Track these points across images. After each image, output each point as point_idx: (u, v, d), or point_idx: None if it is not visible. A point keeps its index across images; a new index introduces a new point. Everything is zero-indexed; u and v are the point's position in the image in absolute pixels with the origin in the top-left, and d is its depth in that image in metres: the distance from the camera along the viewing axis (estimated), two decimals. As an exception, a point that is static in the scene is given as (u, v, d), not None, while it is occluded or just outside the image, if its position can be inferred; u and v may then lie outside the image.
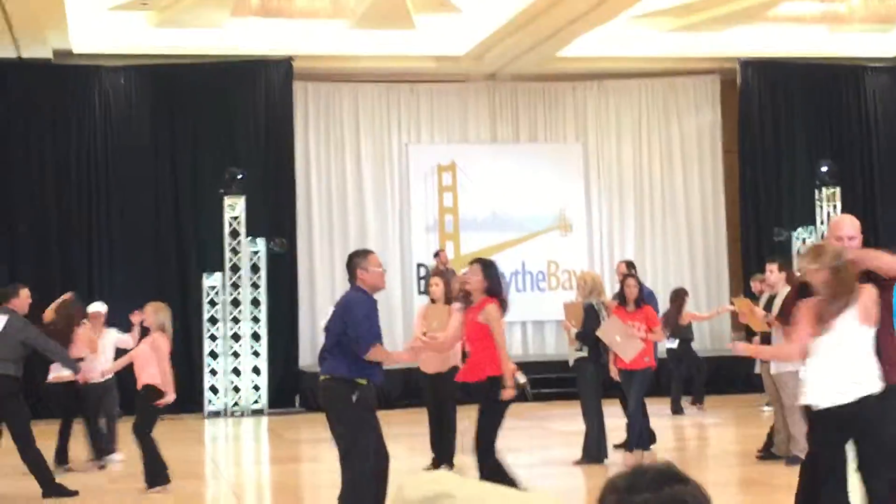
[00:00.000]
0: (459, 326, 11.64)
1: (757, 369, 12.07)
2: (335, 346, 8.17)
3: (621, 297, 12.56)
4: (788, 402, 11.59)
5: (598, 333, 11.81)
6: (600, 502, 2.27)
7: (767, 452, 12.11)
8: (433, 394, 12.04)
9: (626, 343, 11.74)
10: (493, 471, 8.60)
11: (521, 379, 9.01)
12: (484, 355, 9.04)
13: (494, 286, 9.27)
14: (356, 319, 8.11)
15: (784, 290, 11.86)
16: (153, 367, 11.37)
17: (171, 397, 11.38)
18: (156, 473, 11.17)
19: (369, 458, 7.92)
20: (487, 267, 9.36)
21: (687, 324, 17.26)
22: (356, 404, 7.98)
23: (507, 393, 8.80)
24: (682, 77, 22.29)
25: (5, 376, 10.72)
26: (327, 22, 19.12)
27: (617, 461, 11.81)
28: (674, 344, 17.14)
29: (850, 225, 7.37)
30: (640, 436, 12.00)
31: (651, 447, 12.17)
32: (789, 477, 11.00)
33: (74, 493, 10.79)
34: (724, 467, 12.13)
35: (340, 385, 8.03)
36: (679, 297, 17.27)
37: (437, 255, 19.62)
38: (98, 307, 13.85)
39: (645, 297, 12.54)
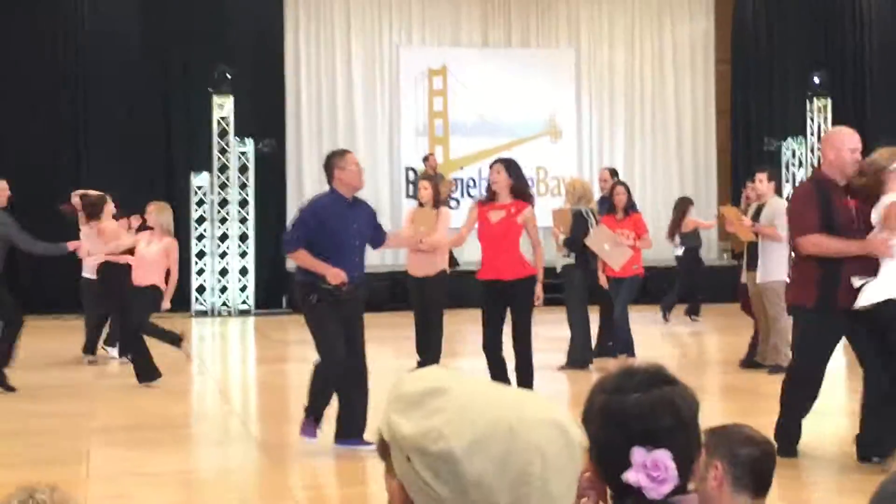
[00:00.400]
0: (448, 229, 11.72)
1: (743, 279, 12.12)
2: None
3: (609, 205, 12.58)
4: (773, 311, 11.68)
5: (587, 241, 11.84)
6: (588, 403, 2.29)
7: (749, 361, 12.22)
8: (420, 297, 12.07)
9: (615, 251, 11.78)
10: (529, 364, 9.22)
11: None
12: (516, 255, 9.12)
13: (520, 184, 9.35)
14: (293, 220, 8.17)
15: (773, 199, 11.89)
16: (160, 269, 11.41)
17: (167, 303, 11.45)
18: (148, 370, 11.24)
19: (335, 351, 7.92)
20: (510, 166, 9.41)
21: (692, 231, 17.18)
22: (316, 305, 7.99)
23: (539, 290, 9.20)
24: (676, -17, 22.12)
25: None
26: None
27: (601, 367, 11.90)
28: (680, 251, 17.15)
29: (858, 138, 7.49)
30: (626, 342, 12.10)
31: (634, 354, 12.26)
32: (773, 385, 11.16)
33: (11, 390, 10.81)
34: (709, 375, 12.24)
35: (301, 288, 8.08)
36: (683, 204, 17.21)
37: (426, 159, 19.59)
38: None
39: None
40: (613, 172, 14.21)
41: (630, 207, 12.36)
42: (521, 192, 9.31)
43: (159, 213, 11.62)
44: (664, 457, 2.14)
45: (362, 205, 8.50)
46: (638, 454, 2.14)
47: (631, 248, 11.93)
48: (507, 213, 9.29)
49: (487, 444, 1.47)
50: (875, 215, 7.31)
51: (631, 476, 2.14)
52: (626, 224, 12.16)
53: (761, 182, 12.00)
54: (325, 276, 7.86)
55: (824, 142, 7.81)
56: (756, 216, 11.88)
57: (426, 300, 11.95)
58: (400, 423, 1.51)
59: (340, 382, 7.99)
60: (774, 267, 11.62)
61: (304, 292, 8.04)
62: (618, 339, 12.15)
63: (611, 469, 2.18)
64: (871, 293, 7.15)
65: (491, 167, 9.61)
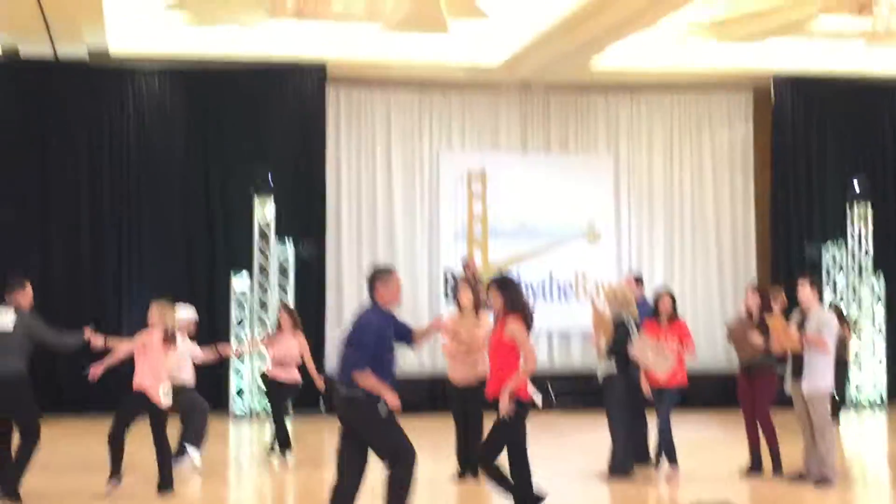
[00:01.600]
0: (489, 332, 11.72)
1: (787, 389, 11.99)
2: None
3: (649, 311, 12.55)
4: (820, 422, 11.54)
5: (632, 351, 11.79)
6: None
7: (751, 469, 12.11)
8: (461, 405, 11.99)
9: (659, 360, 11.70)
10: (492, 473, 9.21)
11: (537, 398, 9.10)
12: (508, 372, 9.09)
13: (513, 302, 9.32)
14: (358, 340, 8.15)
15: (817, 309, 11.79)
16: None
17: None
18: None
19: (411, 446, 8.11)
20: (503, 286, 9.42)
21: None
22: (386, 417, 8.04)
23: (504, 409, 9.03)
24: (715, 91, 22.22)
25: (18, 371, 10.76)
26: (361, 25, 19.08)
27: (645, 475, 11.78)
28: None
29: None
30: (669, 451, 12.00)
31: (677, 463, 12.12)
32: (818, 498, 11.00)
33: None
34: (752, 486, 12.02)
35: (367, 402, 8.03)
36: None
37: (465, 264, 19.60)
38: (187, 313, 13.58)
39: (640, 307, 12.58)
40: (639, 280, 14.18)
41: (674, 314, 12.32)
42: (515, 309, 9.32)
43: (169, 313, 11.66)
44: None
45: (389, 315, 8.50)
46: None
47: (675, 357, 11.87)
48: (498, 333, 9.36)
49: None
50: None
51: None
52: (671, 331, 12.13)
53: (804, 288, 11.91)
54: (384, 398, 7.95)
55: None
56: (799, 325, 11.79)
57: (467, 408, 11.86)
58: None
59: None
60: (821, 377, 11.52)
61: (371, 405, 8.02)
62: (662, 448, 12.06)
63: None
64: None
65: (487, 290, 9.76)
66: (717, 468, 13.22)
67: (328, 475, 13.25)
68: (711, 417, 17.54)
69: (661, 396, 11.99)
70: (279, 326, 14.19)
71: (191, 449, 12.93)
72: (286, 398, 14.09)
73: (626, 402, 12.01)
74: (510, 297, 9.34)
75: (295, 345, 13.94)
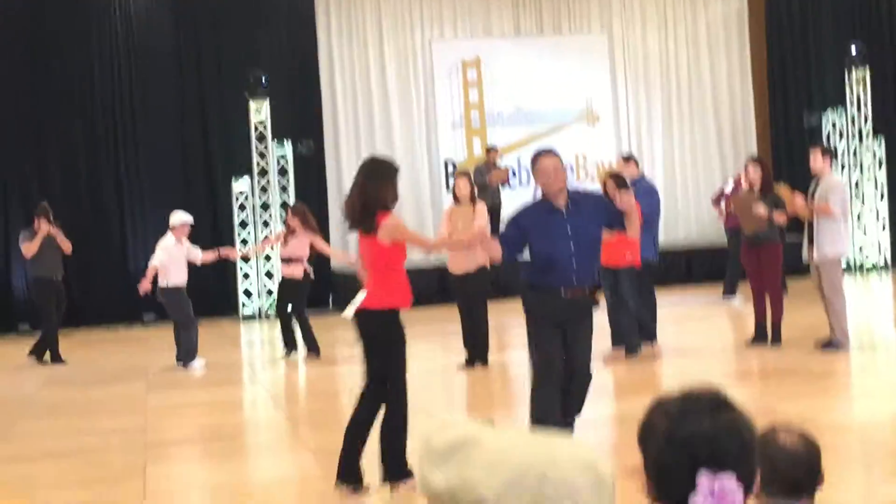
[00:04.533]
0: (485, 222, 11.73)
1: (804, 257, 12.02)
2: None
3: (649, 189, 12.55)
4: (829, 288, 11.61)
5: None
6: (649, 426, 2.27)
7: (754, 339, 12.20)
8: (463, 293, 12.12)
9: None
10: None
11: None
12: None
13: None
14: None
15: (828, 177, 11.78)
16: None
17: None
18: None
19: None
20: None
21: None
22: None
23: None
24: (707, -38, 21.97)
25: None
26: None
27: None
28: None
29: None
30: (648, 331, 12.05)
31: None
32: (825, 363, 11.09)
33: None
34: (756, 355, 12.10)
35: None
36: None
37: (489, 150, 19.49)
38: (184, 217, 13.84)
39: (644, 193, 12.44)
40: (628, 159, 14.07)
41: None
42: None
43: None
44: (731, 482, 2.14)
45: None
46: (706, 479, 2.14)
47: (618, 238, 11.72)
48: None
49: (518, 490, 1.50)
50: None
51: (698, 500, 2.13)
52: None
53: (815, 159, 11.88)
54: None
55: None
56: (812, 194, 11.79)
57: (469, 296, 11.99)
58: (433, 477, 1.54)
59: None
60: (829, 244, 11.55)
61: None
62: (644, 329, 12.08)
63: (671, 490, 2.18)
64: None
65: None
66: (722, 340, 13.31)
67: (339, 371, 13.44)
68: (714, 289, 17.59)
69: (615, 278, 11.97)
70: (288, 227, 14.21)
71: (193, 363, 13.59)
72: (290, 295, 14.15)
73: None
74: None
75: (303, 244, 13.94)
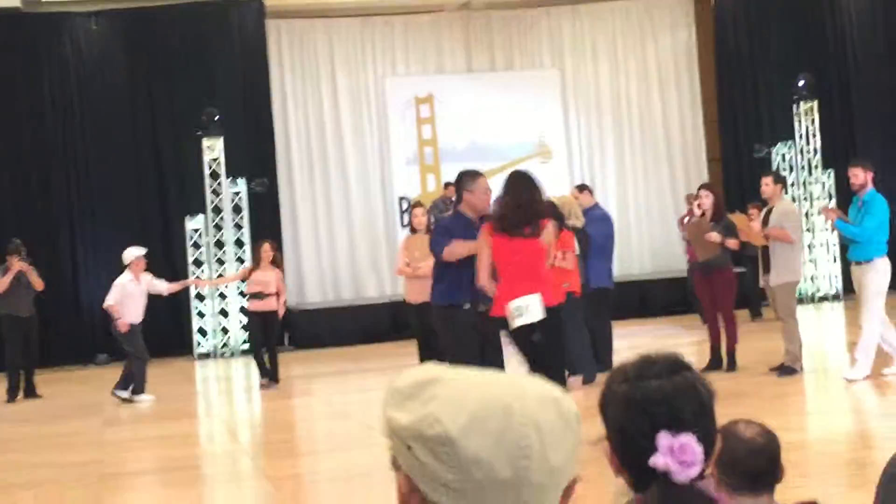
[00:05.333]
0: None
1: (761, 283, 12.14)
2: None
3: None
4: (784, 313, 11.73)
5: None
6: (608, 391, 2.30)
7: (709, 367, 12.20)
8: (420, 323, 12.10)
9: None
10: None
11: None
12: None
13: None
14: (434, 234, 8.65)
15: (781, 202, 11.93)
16: None
17: None
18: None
19: None
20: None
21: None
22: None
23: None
24: (656, -3, 22.20)
25: None
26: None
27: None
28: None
29: None
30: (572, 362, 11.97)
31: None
32: (779, 387, 11.18)
33: None
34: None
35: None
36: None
37: (447, 186, 19.55)
38: (135, 252, 14.04)
39: (597, 220, 12.52)
40: (582, 188, 14.19)
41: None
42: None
43: None
44: (691, 440, 2.15)
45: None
46: (664, 439, 2.15)
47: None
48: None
49: (483, 423, 1.50)
50: None
51: (659, 460, 2.15)
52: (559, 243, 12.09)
53: (767, 185, 12.05)
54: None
55: None
56: (765, 221, 11.93)
57: (426, 325, 11.97)
58: (397, 415, 1.55)
59: None
60: (785, 269, 11.68)
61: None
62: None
63: (633, 455, 2.20)
64: None
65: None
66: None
67: (296, 403, 13.40)
68: (669, 321, 17.70)
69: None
70: (258, 260, 14.30)
71: (142, 395, 13.67)
72: (271, 328, 14.25)
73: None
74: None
75: (273, 278, 14.11)
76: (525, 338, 7.91)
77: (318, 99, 21.05)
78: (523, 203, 8.04)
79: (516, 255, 7.89)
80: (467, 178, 8.62)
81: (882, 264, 11.08)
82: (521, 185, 8.16)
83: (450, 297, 8.48)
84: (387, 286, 20.27)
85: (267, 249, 14.40)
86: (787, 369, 11.70)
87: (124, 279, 13.77)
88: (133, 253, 13.92)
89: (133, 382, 13.69)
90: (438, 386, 1.56)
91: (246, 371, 17.11)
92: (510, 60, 21.97)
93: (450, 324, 8.40)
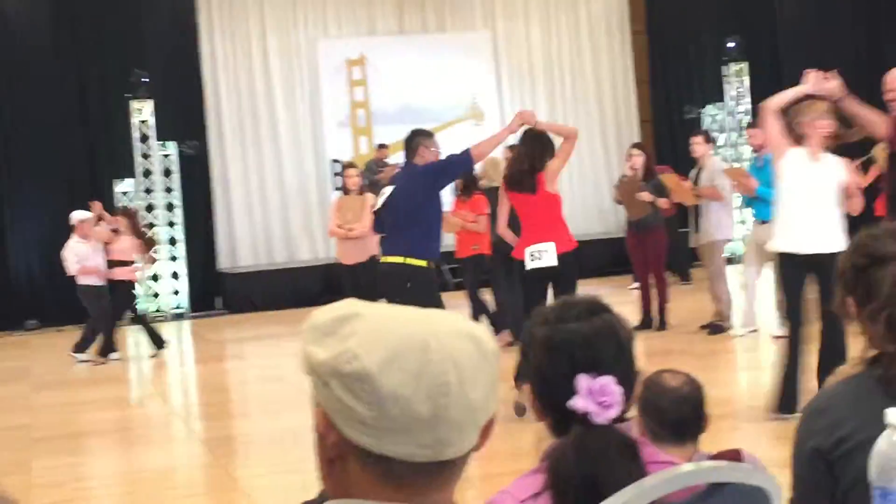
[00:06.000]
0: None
1: (692, 242, 12.27)
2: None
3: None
4: (713, 271, 11.89)
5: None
6: (528, 336, 2.31)
7: (641, 325, 12.31)
8: (354, 285, 12.10)
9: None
10: None
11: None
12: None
13: None
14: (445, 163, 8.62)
15: (710, 160, 12.04)
16: None
17: None
18: None
19: None
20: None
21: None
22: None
23: None
24: (588, -41, 22.19)
25: None
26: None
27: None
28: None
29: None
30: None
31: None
32: (711, 344, 11.32)
33: None
34: (644, 340, 12.28)
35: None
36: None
37: (380, 147, 19.50)
38: (79, 215, 14.14)
39: None
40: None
41: (474, 187, 12.39)
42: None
43: None
44: (610, 382, 2.17)
45: None
46: (584, 380, 2.17)
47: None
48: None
49: (401, 359, 1.50)
50: None
51: (578, 402, 2.17)
52: (467, 205, 12.21)
53: (698, 145, 12.16)
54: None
55: None
56: (695, 180, 12.03)
57: (361, 287, 11.97)
58: (315, 351, 1.55)
59: None
60: (716, 227, 11.81)
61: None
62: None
63: (554, 398, 2.21)
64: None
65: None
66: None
67: (228, 366, 13.35)
68: (604, 282, 17.81)
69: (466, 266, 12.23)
70: (116, 229, 14.28)
71: (112, 355, 13.92)
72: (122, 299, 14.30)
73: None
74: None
75: (130, 247, 14.14)
76: (536, 280, 8.28)
77: (249, 61, 20.85)
78: (525, 164, 8.57)
79: (531, 207, 8.41)
80: (425, 135, 8.83)
81: None
82: (527, 145, 8.68)
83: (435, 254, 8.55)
84: (320, 249, 20.20)
85: (121, 216, 14.58)
86: (716, 327, 11.85)
87: (73, 243, 13.83)
88: (77, 216, 14.01)
89: (102, 343, 13.80)
90: (357, 321, 1.56)
91: (177, 334, 17.02)
92: (442, 22, 21.90)
93: (434, 286, 8.47)
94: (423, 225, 8.23)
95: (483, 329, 1.60)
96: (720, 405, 7.53)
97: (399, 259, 8.13)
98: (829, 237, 7.27)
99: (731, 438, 6.64)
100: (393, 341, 1.52)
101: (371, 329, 1.54)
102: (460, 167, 8.66)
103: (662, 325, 12.38)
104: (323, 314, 1.59)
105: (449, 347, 1.53)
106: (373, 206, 11.91)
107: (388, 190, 8.72)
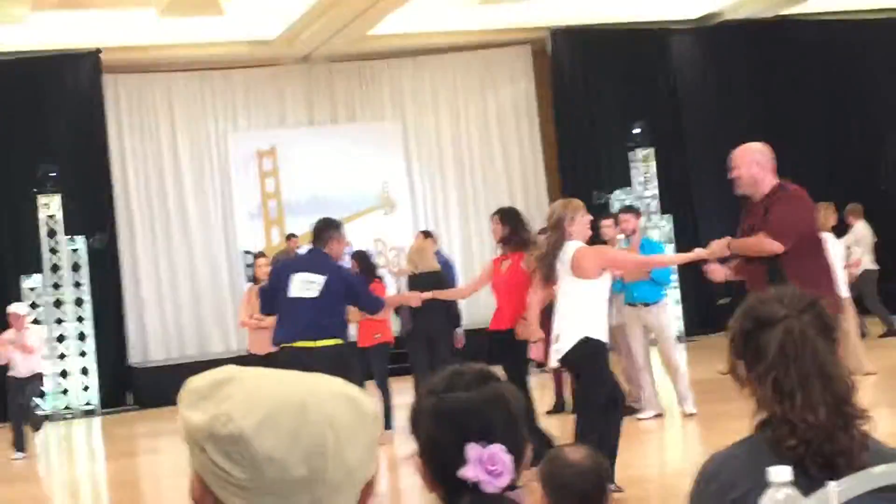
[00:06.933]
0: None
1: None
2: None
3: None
4: (626, 354, 12.01)
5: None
6: (416, 406, 2.32)
7: (554, 409, 12.41)
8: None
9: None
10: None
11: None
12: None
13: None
14: (355, 289, 8.84)
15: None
16: None
17: None
18: None
19: None
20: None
21: None
22: None
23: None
24: (495, 49, 22.49)
25: None
26: (134, 12, 18.72)
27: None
28: None
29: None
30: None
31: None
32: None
33: None
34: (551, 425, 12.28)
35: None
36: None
37: (289, 238, 19.51)
38: (18, 308, 14.38)
39: (440, 265, 12.68)
40: (426, 234, 14.35)
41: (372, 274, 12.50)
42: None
43: None
44: (500, 451, 2.18)
45: None
46: (473, 450, 2.17)
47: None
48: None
49: (277, 421, 1.50)
50: (562, 266, 7.79)
51: (469, 472, 2.17)
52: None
53: (608, 228, 12.40)
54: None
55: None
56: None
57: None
58: (191, 415, 1.54)
59: None
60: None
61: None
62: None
63: (444, 468, 2.21)
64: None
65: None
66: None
67: (141, 461, 13.12)
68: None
69: (368, 356, 12.25)
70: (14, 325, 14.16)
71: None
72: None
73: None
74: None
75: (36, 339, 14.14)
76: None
77: (159, 154, 20.80)
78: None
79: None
80: (335, 226, 8.90)
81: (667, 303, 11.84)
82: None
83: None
84: (232, 340, 20.05)
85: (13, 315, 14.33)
86: (629, 409, 11.90)
87: (8, 334, 14.00)
88: (12, 310, 14.23)
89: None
90: (233, 385, 1.55)
91: (87, 431, 16.73)
92: (352, 113, 22.05)
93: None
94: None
95: (360, 391, 1.60)
96: (633, 484, 7.59)
97: (338, 341, 8.33)
98: None
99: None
100: (269, 404, 1.52)
101: (247, 392, 1.54)
102: (364, 303, 9.15)
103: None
104: (200, 379, 1.59)
105: (326, 409, 1.53)
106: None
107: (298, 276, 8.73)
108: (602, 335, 7.92)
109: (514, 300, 9.36)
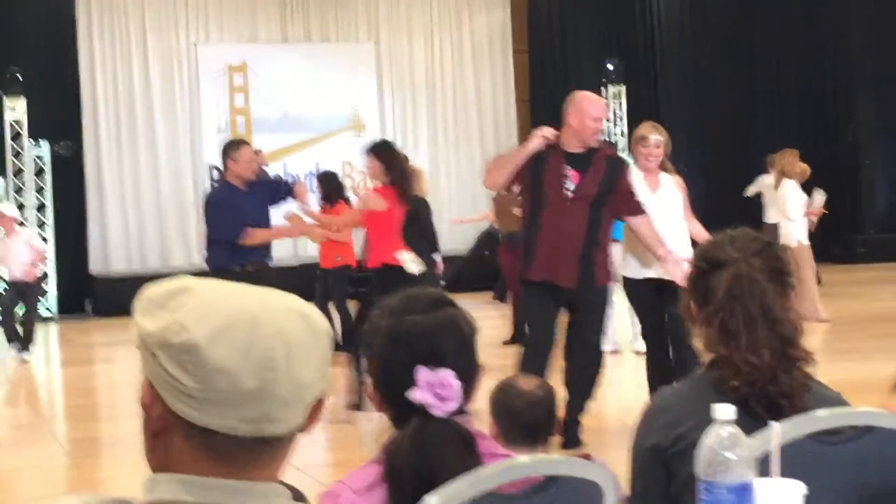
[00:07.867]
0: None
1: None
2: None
3: None
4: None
5: None
6: (372, 326, 2.34)
7: (513, 339, 12.44)
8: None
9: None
10: None
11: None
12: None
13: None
14: (212, 223, 8.46)
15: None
16: None
17: None
18: None
19: None
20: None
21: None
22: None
23: None
24: (472, -24, 22.36)
25: None
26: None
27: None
28: None
29: (603, 107, 7.97)
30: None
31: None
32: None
33: None
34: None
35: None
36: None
37: (256, 154, 19.35)
38: (5, 208, 14.11)
39: None
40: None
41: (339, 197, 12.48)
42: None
43: None
44: (449, 375, 2.20)
45: (257, 187, 8.70)
46: (423, 373, 2.20)
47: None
48: None
49: (230, 333, 1.51)
50: None
51: (416, 394, 2.19)
52: (330, 213, 12.24)
53: None
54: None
55: (570, 104, 7.82)
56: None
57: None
58: (144, 322, 1.56)
59: None
60: None
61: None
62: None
63: (394, 389, 2.24)
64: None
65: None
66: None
67: (97, 370, 13.14)
68: (481, 297, 17.90)
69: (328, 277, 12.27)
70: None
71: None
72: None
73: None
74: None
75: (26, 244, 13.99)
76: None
77: (128, 63, 20.58)
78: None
79: None
80: (231, 148, 8.82)
81: None
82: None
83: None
84: (194, 254, 19.97)
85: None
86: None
87: None
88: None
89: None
90: (189, 295, 1.57)
91: (45, 337, 16.70)
92: (326, 32, 21.87)
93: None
94: None
95: (315, 309, 1.62)
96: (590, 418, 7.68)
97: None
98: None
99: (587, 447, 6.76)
100: (222, 315, 1.53)
101: (202, 303, 1.55)
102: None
103: None
104: (156, 288, 1.60)
105: (279, 323, 1.55)
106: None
107: None
108: None
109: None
